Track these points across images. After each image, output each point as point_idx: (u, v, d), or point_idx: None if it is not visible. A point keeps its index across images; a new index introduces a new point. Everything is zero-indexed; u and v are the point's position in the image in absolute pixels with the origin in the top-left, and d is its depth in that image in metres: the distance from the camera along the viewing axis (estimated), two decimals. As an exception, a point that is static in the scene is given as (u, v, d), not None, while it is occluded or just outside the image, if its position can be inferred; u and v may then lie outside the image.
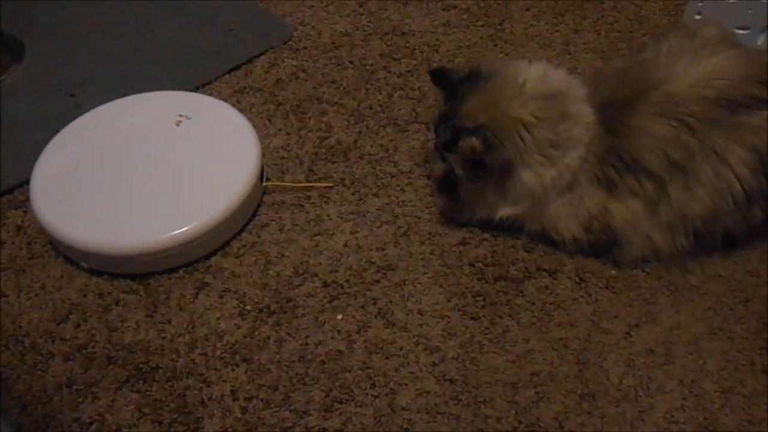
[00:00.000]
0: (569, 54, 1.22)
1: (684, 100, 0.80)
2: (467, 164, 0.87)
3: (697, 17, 1.18)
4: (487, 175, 0.86)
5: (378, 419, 0.78)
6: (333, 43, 1.25)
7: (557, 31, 1.27)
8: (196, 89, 1.17)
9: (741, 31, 1.15)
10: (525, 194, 0.87)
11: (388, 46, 1.24)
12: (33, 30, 1.30)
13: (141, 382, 0.81)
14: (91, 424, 0.78)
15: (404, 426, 0.78)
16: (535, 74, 0.87)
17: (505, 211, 0.90)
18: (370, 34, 1.27)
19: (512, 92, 0.85)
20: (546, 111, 0.84)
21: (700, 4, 1.17)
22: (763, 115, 0.79)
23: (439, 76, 0.91)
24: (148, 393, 0.81)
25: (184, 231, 0.89)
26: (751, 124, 0.79)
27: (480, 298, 0.89)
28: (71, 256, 0.93)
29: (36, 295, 0.90)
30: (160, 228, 0.90)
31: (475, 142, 0.83)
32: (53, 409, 0.80)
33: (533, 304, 0.88)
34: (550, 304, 0.88)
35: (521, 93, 0.85)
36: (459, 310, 0.88)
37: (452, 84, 0.89)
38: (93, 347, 0.85)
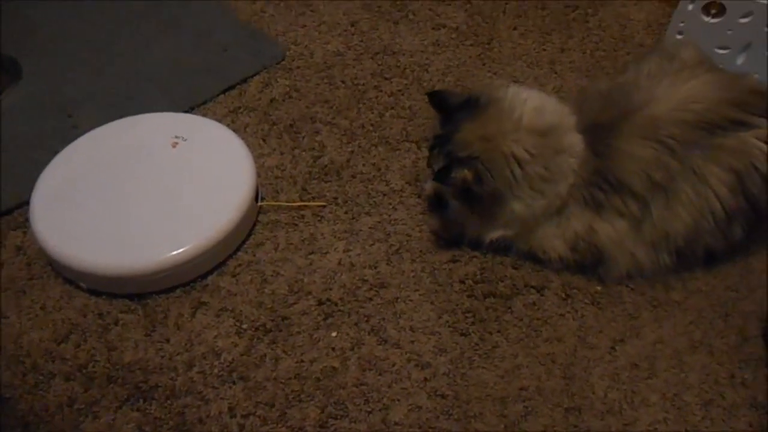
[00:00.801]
0: (555, 73, 1.26)
1: (664, 123, 0.83)
2: (459, 192, 0.89)
3: (679, 37, 1.22)
4: (477, 204, 0.88)
5: (372, 435, 0.81)
6: (325, 62, 1.28)
7: (544, 50, 1.30)
8: (191, 109, 1.19)
9: (721, 51, 1.18)
10: (514, 221, 0.90)
11: (379, 65, 1.27)
12: (30, 50, 1.31)
13: (141, 400, 0.84)
14: (92, 442, 0.80)
15: (397, 441, 0.80)
16: (532, 106, 0.88)
17: (494, 234, 0.93)
18: (361, 54, 1.30)
19: (508, 126, 0.86)
20: (540, 148, 0.86)
21: (682, 24, 1.21)
22: (740, 137, 0.82)
23: (437, 98, 0.93)
24: (147, 411, 0.83)
25: (181, 252, 0.92)
26: (728, 146, 0.82)
27: (470, 315, 0.92)
28: (70, 277, 0.95)
29: (36, 315, 0.92)
30: (158, 249, 0.92)
31: (467, 173, 0.85)
32: (55, 428, 0.82)
33: (521, 320, 0.91)
34: (538, 320, 0.91)
35: (517, 128, 0.86)
36: (449, 326, 0.91)
37: (450, 108, 0.91)
38: (93, 366, 0.87)
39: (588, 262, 0.91)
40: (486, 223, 0.92)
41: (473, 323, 0.91)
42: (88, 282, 0.94)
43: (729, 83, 0.86)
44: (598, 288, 0.94)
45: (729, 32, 1.16)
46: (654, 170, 0.83)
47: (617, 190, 0.85)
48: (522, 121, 0.86)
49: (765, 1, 1.10)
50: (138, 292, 0.93)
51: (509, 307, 0.93)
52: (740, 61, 1.18)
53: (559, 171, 0.86)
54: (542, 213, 0.88)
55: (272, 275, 0.96)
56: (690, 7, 1.17)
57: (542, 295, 0.94)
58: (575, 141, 0.87)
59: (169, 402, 0.83)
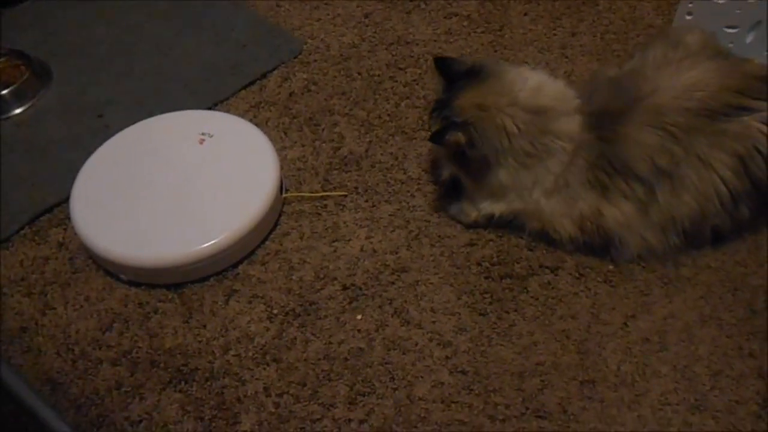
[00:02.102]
0: (566, 57, 1.28)
1: (668, 111, 0.86)
2: (453, 154, 0.95)
3: (688, 17, 1.24)
4: (468, 166, 0.94)
5: (398, 409, 0.86)
6: (341, 55, 1.32)
7: (555, 35, 1.33)
8: (214, 105, 1.24)
9: (730, 30, 1.20)
10: (503, 190, 0.95)
11: (393, 56, 1.31)
12: (59, 54, 1.37)
13: (182, 382, 0.90)
14: (140, 422, 0.87)
15: (422, 415, 0.86)
16: (532, 85, 0.93)
17: (490, 207, 0.98)
18: (376, 45, 1.33)
19: (504, 99, 0.91)
20: (529, 125, 0.90)
21: (690, 5, 1.22)
22: (742, 122, 0.85)
23: (442, 64, 0.97)
24: (189, 392, 0.89)
25: (213, 243, 0.97)
26: (731, 131, 0.85)
27: (487, 295, 0.97)
28: (111, 270, 1.01)
29: (81, 306, 0.99)
30: (191, 241, 0.98)
31: (460, 136, 0.90)
32: (105, 409, 0.88)
33: (537, 299, 0.96)
34: (553, 298, 0.96)
35: (512, 103, 0.91)
36: (468, 306, 0.96)
37: (453, 75, 0.96)
38: (137, 353, 0.93)
39: (597, 244, 0.95)
40: (479, 188, 0.97)
41: (491, 303, 0.96)
42: (127, 274, 1.00)
43: (730, 70, 0.89)
44: (611, 267, 0.98)
45: (737, 11, 1.17)
46: (658, 156, 0.87)
47: (622, 174, 0.89)
48: (518, 97, 0.91)
49: (773, -20, 1.11)
50: (174, 282, 1.00)
51: (525, 287, 0.97)
52: (749, 39, 1.19)
53: (546, 150, 0.90)
54: (532, 186, 0.93)
55: (299, 263, 1.02)
56: (699, -13, 1.19)
57: (556, 275, 0.98)
58: (569, 125, 0.91)
59: (208, 383, 0.90)
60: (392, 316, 0.95)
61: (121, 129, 1.14)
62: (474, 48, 1.31)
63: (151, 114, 1.17)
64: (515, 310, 0.95)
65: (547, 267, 0.99)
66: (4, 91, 1.27)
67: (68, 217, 1.05)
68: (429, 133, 1.14)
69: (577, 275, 0.98)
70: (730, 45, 1.20)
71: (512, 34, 1.34)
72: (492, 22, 1.36)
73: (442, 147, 0.94)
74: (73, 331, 0.96)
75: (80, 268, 1.04)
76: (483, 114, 0.91)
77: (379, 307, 0.96)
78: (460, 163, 0.95)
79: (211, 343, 0.94)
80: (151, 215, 1.02)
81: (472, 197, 1.00)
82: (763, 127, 0.85)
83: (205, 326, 0.96)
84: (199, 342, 0.94)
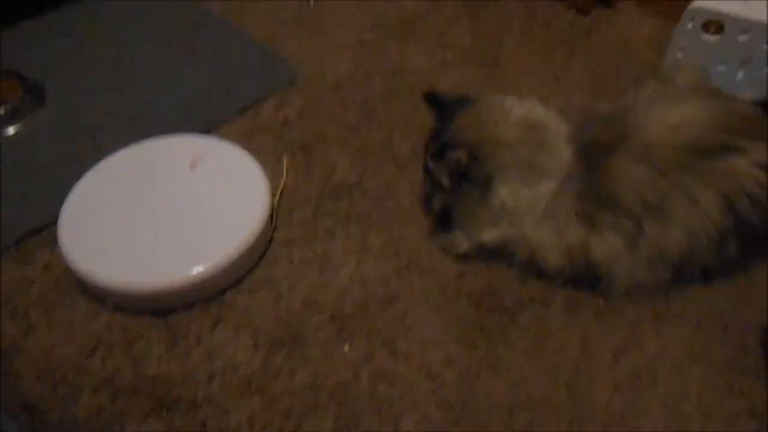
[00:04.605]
0: (560, 89, 1.30)
1: (657, 147, 0.87)
2: (453, 176, 0.95)
3: (680, 53, 1.25)
4: (471, 186, 0.94)
5: (384, 444, 0.85)
6: (336, 82, 1.33)
7: (548, 68, 1.34)
8: (207, 130, 1.24)
9: (721, 67, 1.22)
10: (502, 212, 0.94)
11: (388, 85, 1.32)
12: (54, 74, 1.37)
13: (165, 411, 0.88)
14: (119, 452, 0.85)
15: (408, 450, 0.84)
16: (525, 106, 0.95)
17: (482, 235, 0.97)
18: (371, 74, 1.34)
19: (498, 116, 0.94)
20: (526, 137, 0.92)
21: (682, 41, 1.24)
22: (730, 161, 0.85)
23: (432, 98, 1.01)
24: (171, 422, 0.87)
25: (200, 269, 0.96)
26: (719, 170, 0.86)
27: (477, 328, 0.96)
28: (96, 294, 1.00)
29: (64, 330, 0.97)
30: (178, 267, 0.97)
31: (461, 154, 0.91)
32: (84, 438, 0.86)
33: (526, 332, 0.95)
34: (543, 332, 0.95)
35: (506, 119, 0.93)
36: (457, 339, 0.95)
37: (444, 105, 0.98)
38: (119, 380, 0.91)
39: (586, 276, 0.95)
40: (475, 214, 0.96)
41: (480, 336, 0.95)
42: (113, 299, 0.99)
43: (720, 108, 0.90)
44: (601, 302, 0.97)
45: (728, 49, 1.19)
46: (646, 190, 0.87)
47: (609, 206, 0.89)
48: (511, 114, 0.93)
49: (762, 20, 1.13)
50: (160, 308, 0.98)
51: (515, 320, 0.96)
52: (740, 77, 1.21)
53: (542, 167, 0.91)
54: (527, 208, 0.92)
55: (287, 291, 1.01)
56: (690, 25, 1.21)
57: (547, 309, 0.97)
58: (561, 146, 0.92)
59: (191, 413, 0.88)
60: (380, 347, 0.94)
61: (113, 151, 1.14)
62: (469, 79, 1.32)
63: (144, 137, 1.17)
64: (505, 344, 0.94)
65: (537, 300, 0.98)
66: (-3, 111, 1.26)
67: (56, 239, 1.04)
68: (424, 160, 1.16)
69: (567, 309, 0.97)
70: (721, 82, 1.21)
71: (506, 66, 1.35)
72: (487, 54, 1.37)
73: (443, 166, 0.94)
74: (54, 356, 0.94)
75: (65, 291, 1.02)
76: (480, 131, 0.92)
77: (368, 337, 0.95)
78: (461, 185, 0.95)
79: (196, 372, 0.92)
80: (139, 240, 1.01)
81: (465, 226, 1.00)
82: (751, 168, 0.85)
83: (189, 354, 0.94)
84: (183, 370, 0.92)
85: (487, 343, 0.94)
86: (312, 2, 1.53)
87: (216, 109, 1.28)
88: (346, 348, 0.94)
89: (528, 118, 0.94)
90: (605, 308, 0.97)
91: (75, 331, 0.97)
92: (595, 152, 0.91)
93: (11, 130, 1.27)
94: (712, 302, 0.97)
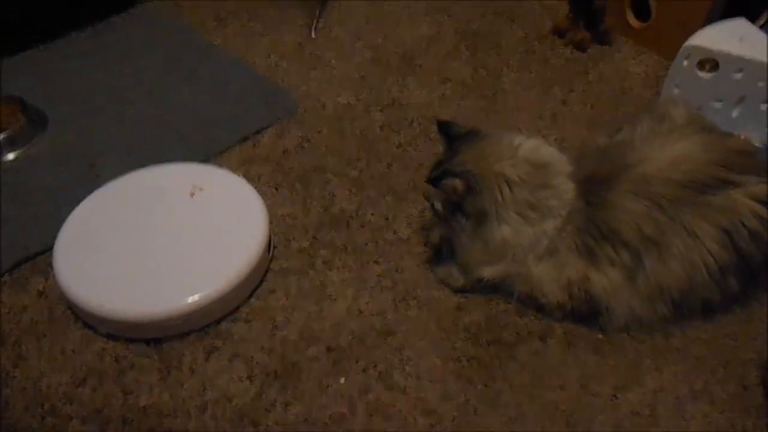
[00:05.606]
0: (557, 125, 1.31)
1: (655, 181, 0.87)
2: (448, 205, 0.94)
3: (675, 90, 1.27)
4: (464, 220, 0.93)
5: (378, 481, 0.83)
6: (336, 114, 1.34)
7: (546, 102, 1.36)
8: (208, 159, 1.24)
9: (716, 104, 1.23)
10: (504, 249, 0.93)
11: (387, 117, 1.33)
12: (56, 102, 1.38)
13: (154, 444, 0.86)
14: (107, 485, 0.83)
15: (403, 487, 0.82)
16: (530, 145, 0.95)
17: (489, 270, 0.96)
18: (370, 106, 1.35)
19: (504, 152, 0.93)
20: (531, 176, 0.91)
21: (678, 78, 1.25)
22: (728, 196, 0.86)
23: (444, 127, 1.00)
24: (161, 455, 0.85)
25: (195, 298, 0.95)
26: (716, 204, 0.86)
27: (474, 362, 0.94)
28: (89, 322, 0.99)
29: (56, 359, 0.96)
30: (173, 295, 0.96)
31: (457, 183, 0.90)
32: (71, 470, 0.84)
33: (525, 367, 0.94)
34: (541, 367, 0.93)
35: (513, 155, 0.93)
36: (455, 373, 0.93)
37: (454, 136, 0.98)
38: (109, 410, 0.90)
39: (585, 311, 0.94)
40: (475, 250, 0.95)
41: (478, 370, 0.93)
42: (106, 327, 0.97)
43: (715, 144, 0.91)
44: (600, 336, 0.96)
45: (723, 87, 1.21)
46: (645, 224, 0.87)
47: (609, 240, 0.89)
48: (518, 152, 0.93)
49: (757, 58, 1.15)
50: (153, 336, 0.97)
51: (513, 355, 0.95)
52: (735, 114, 1.22)
53: (546, 206, 0.90)
54: (530, 247, 0.92)
55: (283, 322, 1.00)
56: (685, 62, 1.23)
57: (545, 344, 0.96)
58: (566, 185, 0.92)
59: (182, 446, 0.86)
60: (376, 381, 0.92)
61: (112, 179, 1.14)
62: (467, 112, 1.34)
63: (144, 165, 1.17)
64: (503, 379, 0.92)
65: (535, 334, 0.97)
66: (-1, 137, 1.27)
67: (51, 266, 1.03)
68: (421, 195, 1.16)
69: (566, 344, 0.96)
70: (717, 119, 1.23)
71: (505, 100, 1.36)
72: (485, 89, 1.39)
73: (440, 193, 0.94)
74: (44, 385, 0.93)
75: (58, 318, 1.01)
76: (483, 164, 0.92)
77: (363, 370, 0.94)
78: (455, 217, 0.94)
79: (188, 403, 0.90)
80: (135, 267, 1.00)
81: (464, 261, 0.99)
82: (748, 202, 0.85)
83: (182, 384, 0.92)
84: (175, 401, 0.90)
85: (484, 378, 0.92)
86: (314, 33, 1.55)
87: (216, 139, 1.29)
88: (341, 381, 0.92)
89: (535, 157, 0.93)
90: (605, 343, 0.96)
91: (66, 359, 0.96)
92: (594, 186, 0.91)
93: (11, 156, 1.27)
94: (712, 339, 0.96)
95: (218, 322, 0.99)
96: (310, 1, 1.66)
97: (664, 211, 0.86)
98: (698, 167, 0.87)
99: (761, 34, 1.20)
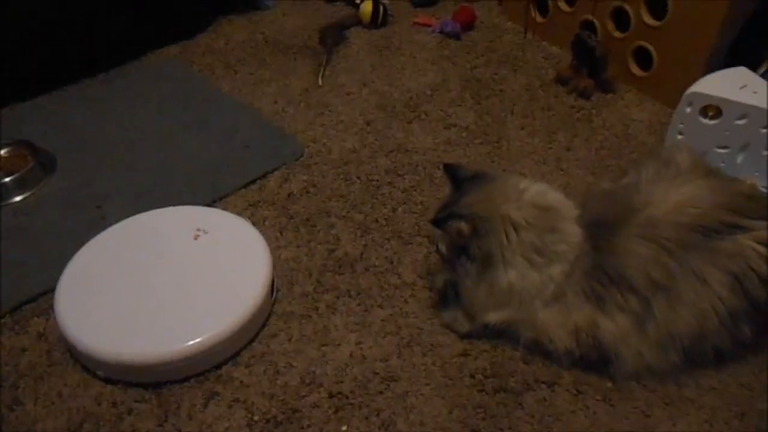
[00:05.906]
0: (562, 170, 1.31)
1: (662, 225, 0.86)
2: (453, 248, 0.93)
3: (679, 137, 1.28)
4: (469, 263, 0.92)
5: None
6: (342, 159, 1.35)
7: (550, 148, 1.36)
8: (213, 202, 1.25)
9: (720, 150, 1.23)
10: (510, 294, 0.92)
11: (393, 162, 1.34)
12: (65, 146, 1.40)
13: (149, 494, 0.83)
14: None
15: None
16: (536, 189, 0.94)
17: (495, 316, 0.94)
18: (376, 151, 1.37)
19: (511, 195, 0.93)
20: (537, 220, 0.90)
21: (681, 125, 1.26)
22: (736, 240, 0.85)
23: (451, 169, 1.00)
24: (155, 506, 0.82)
25: (196, 343, 0.94)
26: (725, 249, 0.85)
27: (480, 410, 0.92)
28: (87, 365, 0.97)
29: (52, 403, 0.94)
30: (173, 339, 0.94)
31: (463, 225, 0.90)
32: None
33: (532, 416, 0.91)
34: (549, 416, 0.91)
35: (519, 198, 0.92)
36: (460, 422, 0.91)
37: (460, 179, 0.98)
38: (104, 458, 0.87)
39: (594, 358, 0.92)
40: (480, 295, 0.93)
41: (484, 419, 0.91)
42: (104, 370, 0.95)
43: (723, 188, 0.90)
44: (609, 384, 0.94)
45: (727, 133, 1.21)
46: (653, 269, 0.86)
47: (617, 285, 0.87)
48: (524, 196, 0.92)
49: (759, 104, 1.16)
50: (152, 381, 0.95)
51: (520, 403, 0.92)
52: (739, 160, 1.22)
53: (552, 250, 0.89)
54: (537, 292, 0.90)
55: (285, 367, 0.98)
56: (688, 109, 1.24)
57: (553, 391, 0.94)
58: (573, 230, 0.91)
59: (177, 496, 0.83)
60: (379, 429, 0.90)
61: (117, 221, 1.14)
62: (472, 158, 1.34)
63: (149, 208, 1.17)
64: (509, 427, 0.90)
65: (543, 382, 0.94)
66: (7, 179, 1.28)
67: (52, 308, 1.02)
68: (426, 239, 1.16)
69: (574, 392, 0.93)
70: (722, 164, 1.23)
71: (509, 146, 1.37)
72: (490, 134, 1.40)
73: (444, 235, 0.93)
74: (39, 430, 0.90)
75: (57, 361, 0.99)
76: (489, 206, 0.91)
77: (366, 418, 0.91)
78: (459, 260, 0.93)
79: (185, 451, 0.88)
80: (136, 310, 0.99)
81: (469, 305, 0.98)
82: (757, 246, 0.84)
83: (180, 431, 0.90)
84: (172, 449, 0.88)
85: (490, 427, 0.90)
86: (320, 80, 1.58)
87: (222, 182, 1.29)
88: (343, 429, 0.90)
89: (541, 201, 0.93)
90: (614, 392, 0.93)
91: (63, 403, 0.94)
92: (600, 230, 0.90)
93: (19, 198, 1.28)
94: (726, 388, 0.93)
95: (219, 366, 0.97)
96: (317, 49, 1.70)
97: (672, 256, 0.85)
98: (705, 211, 0.86)
99: (762, 82, 1.21)
